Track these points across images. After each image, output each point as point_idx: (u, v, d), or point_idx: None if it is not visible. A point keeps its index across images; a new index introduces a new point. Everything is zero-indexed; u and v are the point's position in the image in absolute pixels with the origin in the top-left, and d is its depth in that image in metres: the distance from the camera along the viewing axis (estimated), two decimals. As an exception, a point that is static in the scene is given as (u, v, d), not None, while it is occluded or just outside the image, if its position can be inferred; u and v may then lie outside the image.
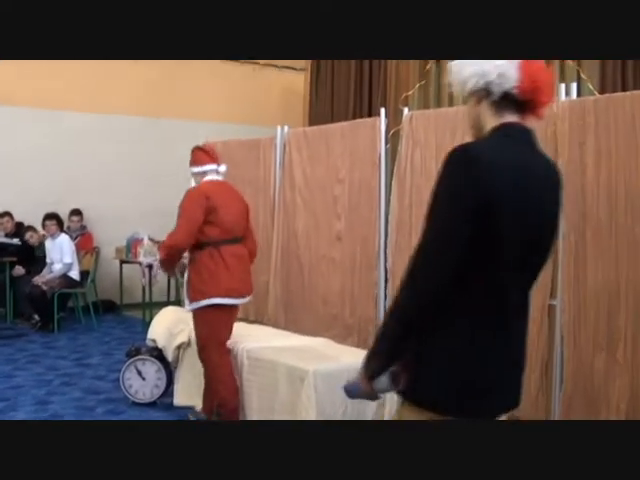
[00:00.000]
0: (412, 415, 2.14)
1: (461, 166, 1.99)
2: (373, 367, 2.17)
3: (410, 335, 2.10)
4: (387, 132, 5.78)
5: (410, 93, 8.92)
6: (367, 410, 4.41)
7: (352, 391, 2.29)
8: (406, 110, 5.60)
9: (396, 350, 2.14)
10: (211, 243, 4.49)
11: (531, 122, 2.16)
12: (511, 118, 2.13)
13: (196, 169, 4.71)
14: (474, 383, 2.08)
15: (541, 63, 2.16)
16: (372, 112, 9.13)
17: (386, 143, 5.75)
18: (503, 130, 2.11)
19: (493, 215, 1.97)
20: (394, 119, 7.67)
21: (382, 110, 5.64)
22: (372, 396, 2.24)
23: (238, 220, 4.67)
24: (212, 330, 4.56)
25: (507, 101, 2.11)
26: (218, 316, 4.54)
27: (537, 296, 4.53)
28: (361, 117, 8.25)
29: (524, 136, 2.14)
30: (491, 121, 2.14)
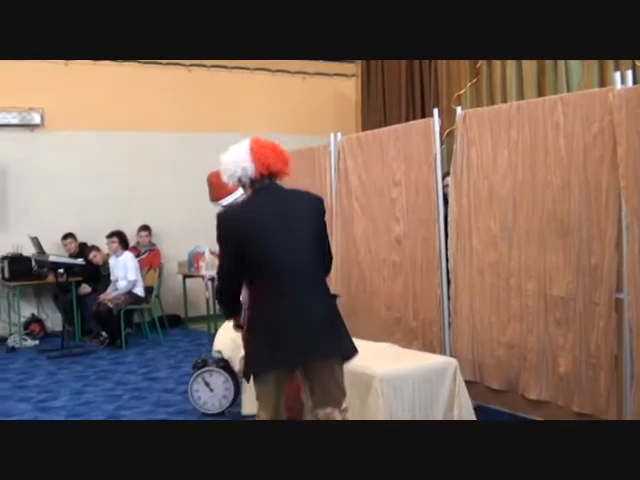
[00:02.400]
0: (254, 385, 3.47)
1: (219, 224, 3.39)
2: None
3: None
4: (441, 132, 5.73)
5: (462, 92, 8.86)
6: (435, 414, 4.38)
7: None
8: (459, 109, 5.54)
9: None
10: None
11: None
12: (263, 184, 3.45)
13: (231, 197, 4.63)
14: (264, 354, 3.35)
15: (269, 145, 3.45)
16: (425, 113, 9.08)
17: (441, 144, 5.70)
18: (255, 192, 3.44)
19: (249, 242, 3.31)
20: (447, 119, 7.62)
21: (435, 110, 5.59)
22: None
23: None
24: None
25: (255, 181, 3.43)
26: None
27: (603, 290, 4.44)
28: (414, 119, 8.20)
29: (269, 187, 3.44)
30: (252, 191, 3.47)
